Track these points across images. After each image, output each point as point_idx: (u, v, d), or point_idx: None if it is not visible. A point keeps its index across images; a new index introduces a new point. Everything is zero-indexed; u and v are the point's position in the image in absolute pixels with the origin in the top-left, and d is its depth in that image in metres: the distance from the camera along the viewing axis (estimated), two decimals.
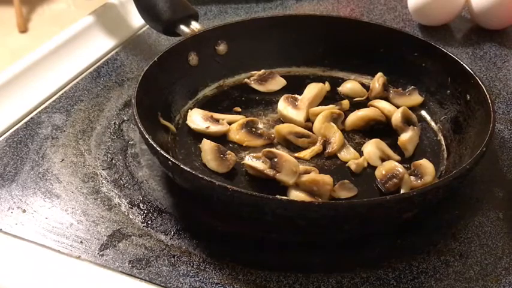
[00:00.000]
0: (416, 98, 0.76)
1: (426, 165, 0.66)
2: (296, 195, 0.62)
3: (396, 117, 0.73)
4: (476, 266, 0.58)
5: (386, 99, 0.76)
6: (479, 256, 0.59)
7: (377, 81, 0.78)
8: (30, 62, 0.86)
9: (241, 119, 0.73)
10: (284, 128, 0.71)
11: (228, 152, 0.68)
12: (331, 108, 0.74)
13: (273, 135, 0.71)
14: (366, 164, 0.67)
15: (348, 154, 0.69)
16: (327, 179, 0.63)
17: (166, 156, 0.58)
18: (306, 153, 0.69)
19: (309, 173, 0.64)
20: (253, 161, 0.65)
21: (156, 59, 0.71)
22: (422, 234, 0.61)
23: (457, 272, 0.58)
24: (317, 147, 0.69)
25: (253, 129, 0.72)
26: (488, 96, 0.66)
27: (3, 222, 0.62)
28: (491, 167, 0.70)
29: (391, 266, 0.58)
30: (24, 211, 0.64)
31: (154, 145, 0.60)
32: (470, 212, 0.64)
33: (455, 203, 0.65)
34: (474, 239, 0.61)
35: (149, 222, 0.62)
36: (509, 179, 0.68)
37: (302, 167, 0.65)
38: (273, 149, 0.66)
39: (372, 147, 0.69)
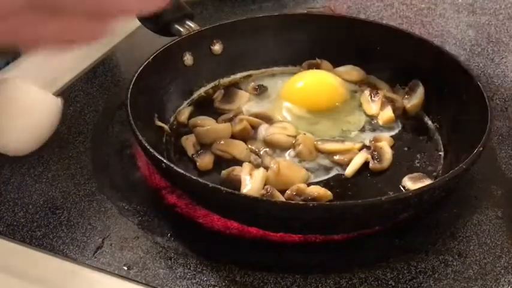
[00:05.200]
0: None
1: None
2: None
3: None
4: (475, 265, 0.58)
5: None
6: (478, 255, 0.59)
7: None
8: (24, 63, 0.86)
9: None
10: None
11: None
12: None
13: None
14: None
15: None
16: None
17: (160, 158, 0.58)
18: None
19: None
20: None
21: (150, 59, 0.71)
22: (421, 234, 0.61)
23: (456, 271, 0.57)
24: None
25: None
26: (485, 95, 0.66)
27: None
28: (489, 164, 0.69)
29: (390, 266, 0.58)
30: (19, 213, 0.63)
31: (148, 147, 0.59)
32: (469, 211, 0.64)
33: (453, 202, 0.64)
34: (473, 238, 0.61)
35: (145, 224, 0.62)
36: (508, 176, 0.68)
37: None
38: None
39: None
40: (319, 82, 0.78)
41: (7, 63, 0.87)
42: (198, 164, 0.67)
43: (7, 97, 0.68)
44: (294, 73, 0.81)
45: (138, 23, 0.82)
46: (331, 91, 0.77)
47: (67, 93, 0.81)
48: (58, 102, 0.72)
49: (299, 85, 0.77)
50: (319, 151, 0.69)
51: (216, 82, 0.80)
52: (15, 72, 0.83)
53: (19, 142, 0.69)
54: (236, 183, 0.63)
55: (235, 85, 0.80)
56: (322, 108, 0.75)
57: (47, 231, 0.61)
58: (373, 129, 0.73)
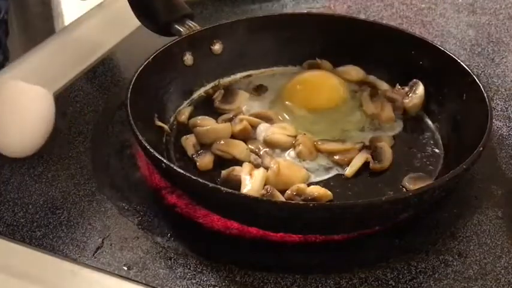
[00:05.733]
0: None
1: None
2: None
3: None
4: (476, 265, 0.58)
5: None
6: (478, 255, 0.59)
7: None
8: (24, 63, 0.86)
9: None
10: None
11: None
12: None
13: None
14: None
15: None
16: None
17: (160, 158, 0.58)
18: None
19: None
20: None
21: (150, 59, 0.71)
22: (421, 234, 0.61)
23: (456, 271, 0.57)
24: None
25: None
26: (485, 94, 0.66)
27: None
28: (489, 164, 0.69)
29: (390, 266, 0.58)
30: (19, 213, 0.63)
31: (148, 147, 0.59)
32: (469, 211, 0.64)
33: (453, 202, 0.64)
34: (473, 238, 0.61)
35: (145, 224, 0.62)
36: (508, 176, 0.68)
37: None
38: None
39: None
40: (320, 82, 0.78)
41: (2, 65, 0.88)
42: (198, 164, 0.67)
43: (2, 99, 0.68)
44: (294, 73, 0.81)
45: (138, 23, 0.82)
46: (331, 91, 0.77)
47: (67, 93, 0.81)
48: (48, 93, 0.72)
49: (299, 85, 0.77)
50: (319, 151, 0.69)
51: (216, 82, 0.80)
52: (15, 73, 0.83)
53: (22, 142, 0.69)
54: (236, 183, 0.63)
55: (235, 85, 0.80)
56: (323, 108, 0.75)
57: (46, 231, 0.61)
58: (373, 129, 0.73)
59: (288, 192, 0.62)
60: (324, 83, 0.77)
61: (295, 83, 0.77)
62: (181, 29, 0.78)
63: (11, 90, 0.69)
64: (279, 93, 0.78)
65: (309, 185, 0.64)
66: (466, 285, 0.56)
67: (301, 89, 0.77)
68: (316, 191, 0.62)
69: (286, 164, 0.65)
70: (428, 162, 0.68)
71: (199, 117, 0.73)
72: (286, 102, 0.76)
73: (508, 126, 0.75)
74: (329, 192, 0.62)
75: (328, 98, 0.76)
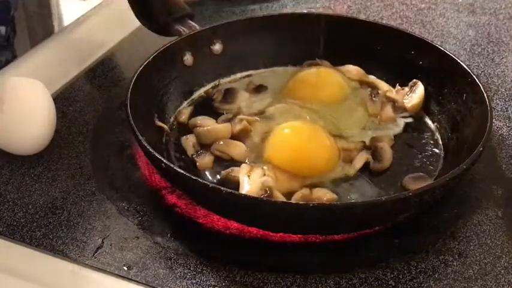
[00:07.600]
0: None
1: None
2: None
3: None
4: (475, 266, 0.58)
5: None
6: (478, 255, 0.59)
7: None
8: (24, 63, 0.86)
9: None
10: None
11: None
12: None
13: None
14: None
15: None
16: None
17: (160, 158, 0.58)
18: None
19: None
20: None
21: (150, 59, 0.71)
22: (421, 234, 0.61)
23: (456, 271, 0.57)
24: None
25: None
26: (485, 94, 0.66)
27: None
28: (489, 164, 0.69)
29: (390, 266, 0.58)
30: (19, 213, 0.63)
31: (148, 147, 0.59)
32: (469, 211, 0.64)
33: (453, 202, 0.64)
34: (473, 238, 0.61)
35: (145, 224, 0.62)
36: (508, 176, 0.68)
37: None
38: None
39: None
40: (321, 78, 0.77)
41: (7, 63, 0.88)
42: (198, 164, 0.67)
43: (11, 96, 0.68)
44: (294, 73, 0.80)
45: (138, 23, 0.82)
46: (333, 87, 0.76)
47: (67, 93, 0.81)
48: (44, 87, 0.71)
49: (301, 81, 0.77)
50: None
51: (216, 82, 0.80)
52: (15, 72, 0.83)
53: (28, 136, 0.68)
54: (235, 184, 0.63)
55: (235, 85, 0.80)
56: (324, 104, 0.75)
57: (46, 231, 0.61)
58: (374, 129, 0.73)
59: (294, 196, 0.62)
60: (326, 79, 0.77)
61: (297, 80, 0.77)
62: (181, 29, 0.78)
63: (10, 86, 0.69)
64: (279, 93, 0.77)
65: (309, 185, 0.64)
66: (466, 285, 0.56)
67: (303, 86, 0.77)
68: (324, 196, 0.62)
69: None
70: (428, 162, 0.68)
71: (199, 117, 0.73)
72: (288, 100, 0.75)
73: (508, 126, 0.75)
74: (334, 196, 0.62)
75: (330, 93, 0.76)
